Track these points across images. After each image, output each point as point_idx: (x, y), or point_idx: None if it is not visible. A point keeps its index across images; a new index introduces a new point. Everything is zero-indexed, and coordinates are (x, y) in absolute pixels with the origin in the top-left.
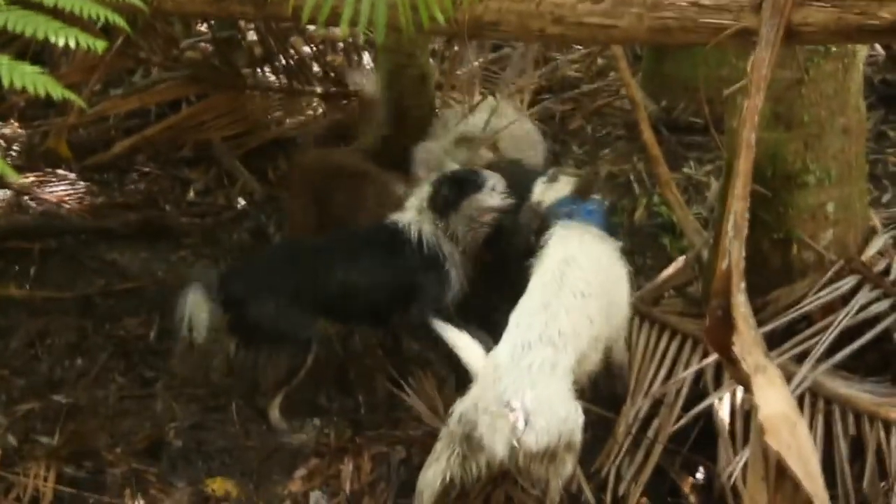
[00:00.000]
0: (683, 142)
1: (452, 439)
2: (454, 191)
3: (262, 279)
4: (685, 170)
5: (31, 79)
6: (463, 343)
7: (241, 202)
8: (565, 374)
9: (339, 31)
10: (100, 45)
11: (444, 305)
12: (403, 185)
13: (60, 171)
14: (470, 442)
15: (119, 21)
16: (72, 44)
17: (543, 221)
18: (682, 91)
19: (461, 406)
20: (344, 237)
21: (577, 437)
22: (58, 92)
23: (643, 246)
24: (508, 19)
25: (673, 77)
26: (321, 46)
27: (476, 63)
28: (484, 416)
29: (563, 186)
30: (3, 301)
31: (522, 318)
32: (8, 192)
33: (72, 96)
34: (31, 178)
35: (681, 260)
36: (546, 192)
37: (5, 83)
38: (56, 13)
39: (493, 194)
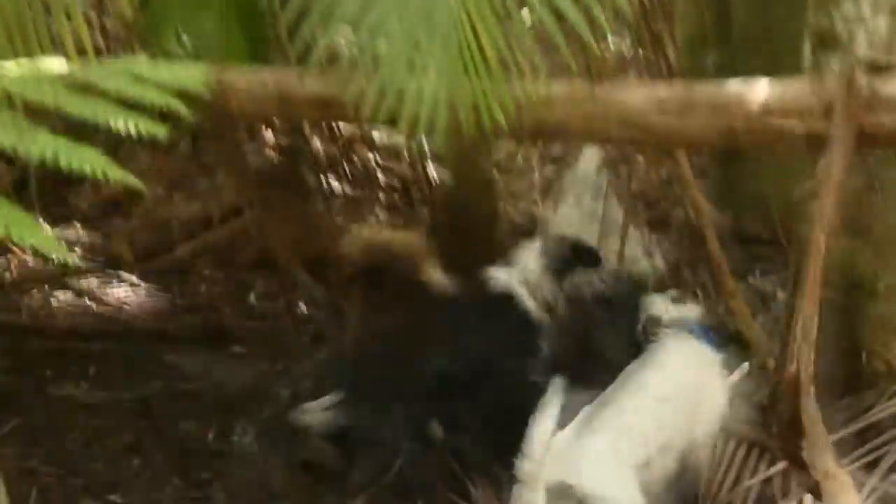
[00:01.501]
0: (749, 253)
1: None
2: (573, 257)
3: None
4: (750, 280)
5: (91, 162)
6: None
7: (303, 307)
8: (628, 465)
9: (404, 139)
10: (162, 132)
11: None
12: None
13: (122, 274)
14: None
15: (181, 108)
16: (132, 129)
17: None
18: (748, 202)
19: (520, 487)
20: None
21: None
22: (117, 175)
23: None
24: (574, 123)
25: (738, 188)
26: (386, 155)
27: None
28: (539, 496)
29: (690, 310)
30: (61, 401)
31: (595, 408)
32: (69, 294)
33: (134, 182)
34: (93, 281)
35: (746, 368)
36: (670, 309)
37: (63, 164)
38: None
39: (599, 277)
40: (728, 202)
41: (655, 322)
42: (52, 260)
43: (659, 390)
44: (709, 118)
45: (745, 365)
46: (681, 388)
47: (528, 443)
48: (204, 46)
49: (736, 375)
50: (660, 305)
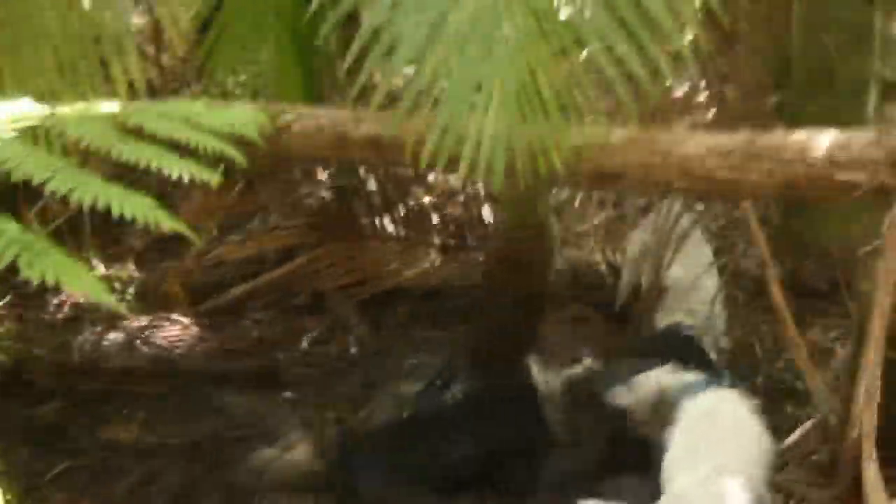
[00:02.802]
0: (808, 306)
1: None
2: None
3: None
4: (810, 335)
5: (142, 209)
6: None
7: (354, 352)
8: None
9: (459, 181)
10: (214, 178)
11: None
12: None
13: (174, 316)
14: None
15: (236, 155)
16: (185, 176)
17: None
18: (808, 254)
19: None
20: None
21: None
22: (170, 224)
23: (764, 412)
24: (633, 171)
25: (799, 239)
26: (440, 197)
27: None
28: None
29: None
30: (112, 444)
31: (685, 455)
32: (121, 336)
33: (184, 230)
34: (145, 322)
35: (806, 427)
36: (670, 380)
37: (115, 212)
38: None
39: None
40: (786, 252)
41: (664, 400)
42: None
43: (728, 422)
44: (771, 169)
45: (807, 425)
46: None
47: None
48: (259, 82)
49: (797, 434)
50: (661, 380)
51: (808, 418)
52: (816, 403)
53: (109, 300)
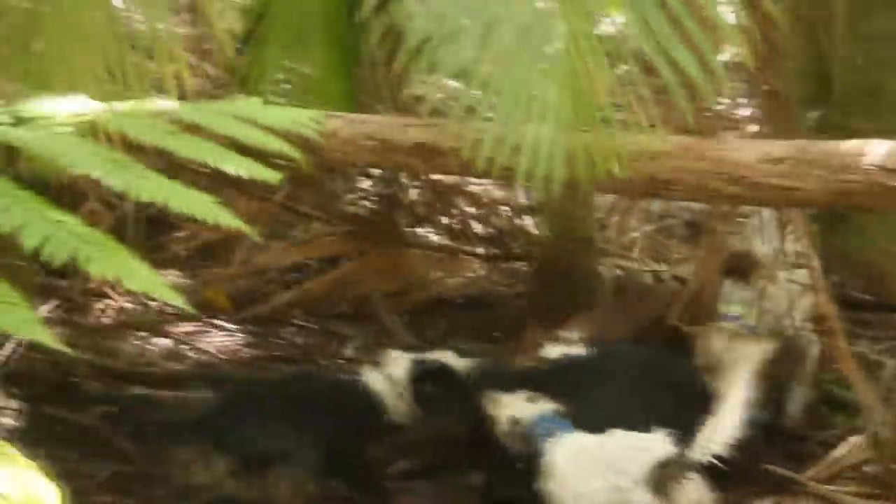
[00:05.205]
0: (855, 319)
1: None
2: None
3: None
4: (857, 348)
5: (201, 206)
6: None
7: None
8: None
9: (503, 191)
10: (273, 175)
11: None
12: None
13: (218, 322)
14: None
15: (293, 153)
16: (244, 173)
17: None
18: (855, 267)
19: None
20: None
21: None
22: (228, 221)
23: (812, 423)
24: (685, 178)
25: (846, 252)
26: (483, 208)
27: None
28: None
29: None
30: (157, 449)
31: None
32: (166, 341)
33: (244, 227)
34: (189, 329)
35: (857, 438)
36: (524, 409)
37: (174, 209)
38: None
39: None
40: (833, 265)
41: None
42: (150, 306)
43: None
44: (823, 178)
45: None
46: None
47: None
48: (302, 91)
49: (847, 446)
50: (515, 407)
51: (859, 431)
52: (866, 416)
53: (173, 297)
